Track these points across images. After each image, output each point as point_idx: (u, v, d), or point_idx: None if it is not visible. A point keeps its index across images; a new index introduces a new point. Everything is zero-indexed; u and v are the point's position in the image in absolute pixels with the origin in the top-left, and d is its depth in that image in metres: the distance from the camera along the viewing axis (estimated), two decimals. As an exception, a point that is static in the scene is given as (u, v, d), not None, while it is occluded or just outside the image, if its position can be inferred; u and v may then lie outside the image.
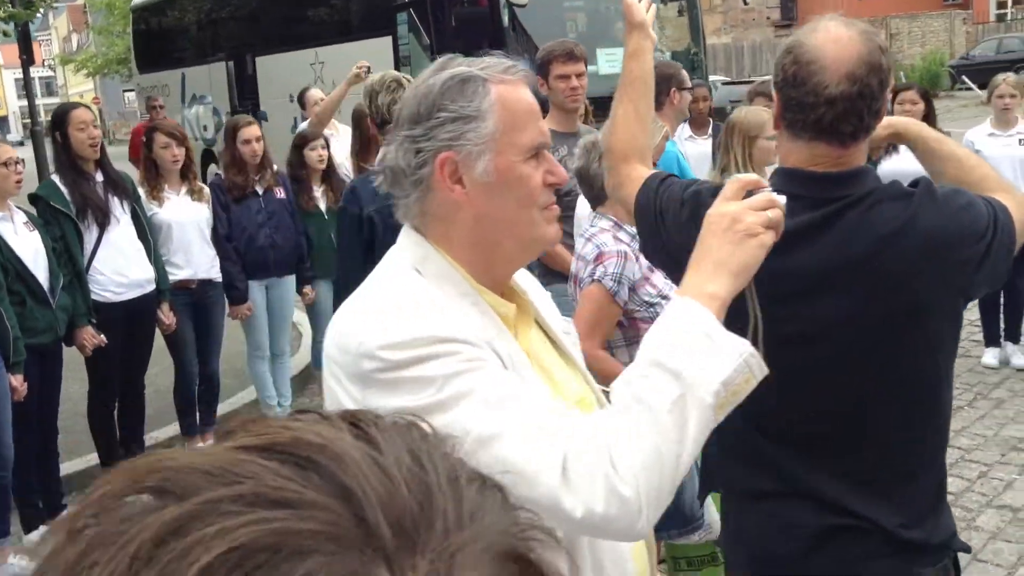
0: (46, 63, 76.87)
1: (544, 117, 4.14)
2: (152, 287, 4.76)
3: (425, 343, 1.24)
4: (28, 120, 19.76)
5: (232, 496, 0.42)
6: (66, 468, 4.72)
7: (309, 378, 6.45)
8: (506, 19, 9.87)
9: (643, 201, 1.86)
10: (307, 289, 5.57)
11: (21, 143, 28.10)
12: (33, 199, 4.47)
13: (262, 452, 0.45)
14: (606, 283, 2.77)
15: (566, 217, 4.02)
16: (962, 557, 2.06)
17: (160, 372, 5.38)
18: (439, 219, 1.38)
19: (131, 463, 0.46)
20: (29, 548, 4.27)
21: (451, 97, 1.31)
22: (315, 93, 6.65)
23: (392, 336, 1.25)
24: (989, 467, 4.54)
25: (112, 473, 0.46)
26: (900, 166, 5.50)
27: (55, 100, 56.81)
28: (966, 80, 25.30)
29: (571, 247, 4.04)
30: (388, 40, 11.24)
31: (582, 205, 3.43)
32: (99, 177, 4.59)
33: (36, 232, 4.23)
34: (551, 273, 4.12)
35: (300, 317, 6.51)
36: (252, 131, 5.20)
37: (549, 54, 3.96)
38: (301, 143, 5.57)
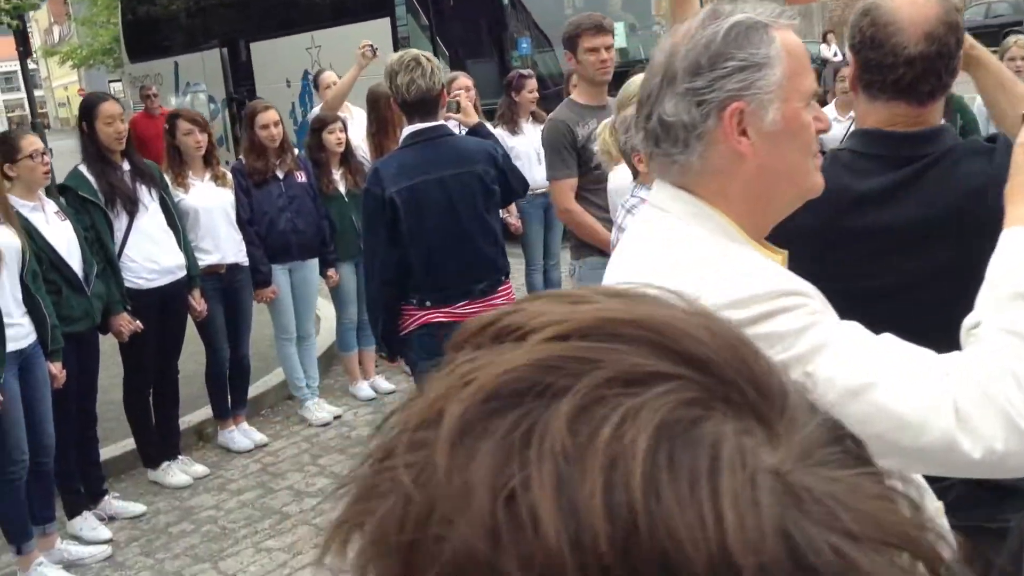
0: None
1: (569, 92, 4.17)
2: (183, 273, 4.80)
3: (768, 298, 1.18)
4: (14, 113, 19.61)
5: (605, 380, 0.41)
6: (103, 454, 4.76)
7: (332, 359, 6.50)
8: (507, -4, 9.85)
9: None
10: (331, 272, 5.60)
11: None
12: (62, 189, 4.49)
13: (582, 337, 0.44)
14: None
15: (597, 189, 4.10)
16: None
17: (188, 357, 5.40)
18: (716, 174, 1.29)
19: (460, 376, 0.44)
20: (76, 534, 4.33)
21: (738, 45, 1.24)
22: (329, 75, 6.65)
23: (731, 294, 1.16)
24: None
25: (463, 392, 0.43)
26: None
27: (39, 93, 56.29)
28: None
29: (602, 220, 4.09)
30: (386, 22, 11.20)
31: (620, 177, 3.46)
32: (125, 166, 4.61)
33: (67, 222, 4.25)
34: (584, 246, 4.18)
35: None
36: (270, 116, 5.21)
37: (578, 27, 3.99)
38: (319, 126, 5.58)
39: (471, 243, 3.49)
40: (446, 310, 3.51)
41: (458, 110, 3.77)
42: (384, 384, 6.03)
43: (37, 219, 4.08)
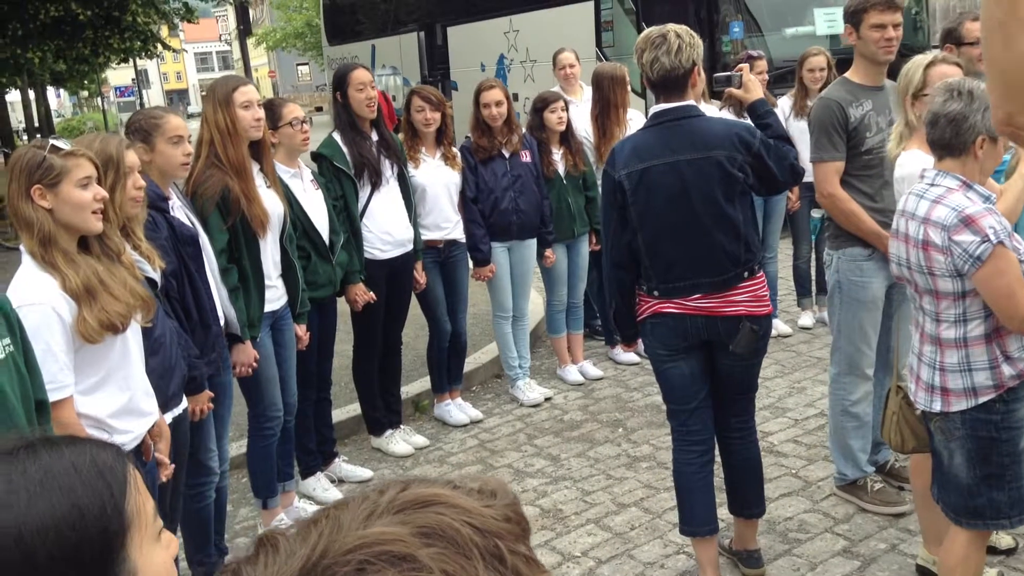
0: (223, 38, 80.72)
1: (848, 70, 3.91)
2: (412, 247, 4.87)
3: None
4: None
5: None
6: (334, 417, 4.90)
7: (537, 341, 6.49)
8: (721, -21, 9.55)
9: None
10: (548, 252, 5.57)
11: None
12: (316, 157, 4.62)
13: None
14: (1007, 242, 2.56)
15: (865, 176, 3.84)
16: None
17: (405, 330, 5.49)
18: None
19: None
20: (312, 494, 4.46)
21: None
22: (567, 56, 6.46)
23: None
24: None
25: None
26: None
27: (231, 72, 59.62)
28: None
29: (867, 209, 3.85)
30: (590, 6, 11.11)
31: (912, 162, 3.22)
32: (374, 137, 4.70)
33: (320, 190, 4.37)
34: (844, 235, 3.94)
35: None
36: (493, 95, 5.21)
37: (865, 1, 3.73)
38: (542, 106, 5.55)
39: (703, 234, 3.25)
40: (678, 301, 3.34)
41: (738, 85, 3.52)
42: (592, 370, 5.97)
43: (295, 186, 4.20)
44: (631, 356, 6.15)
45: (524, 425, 5.31)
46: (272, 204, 3.86)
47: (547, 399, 5.62)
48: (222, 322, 3.52)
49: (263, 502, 4.12)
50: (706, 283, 3.29)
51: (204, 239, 3.48)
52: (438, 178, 5.03)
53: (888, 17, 3.73)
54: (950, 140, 2.65)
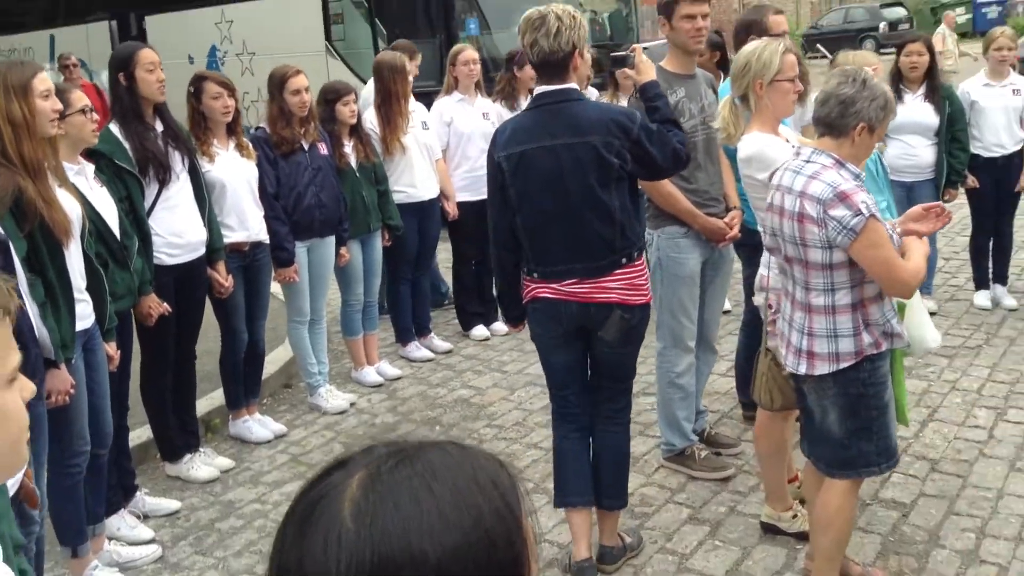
0: None
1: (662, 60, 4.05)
2: (204, 250, 4.42)
3: None
4: None
5: None
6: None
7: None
8: (455, -24, 9.63)
9: None
10: (343, 250, 5.31)
11: None
12: (92, 154, 4.01)
13: None
14: (878, 215, 2.75)
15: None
16: None
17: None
18: None
19: None
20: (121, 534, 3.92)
21: None
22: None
23: None
24: (1040, 395, 4.86)
25: None
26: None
27: None
28: (821, 48, 26.69)
29: (683, 189, 4.02)
30: (316, -3, 10.78)
31: (754, 143, 3.40)
32: (158, 127, 4.20)
33: (105, 188, 3.83)
34: (663, 215, 4.09)
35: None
36: (300, 81, 4.88)
37: None
38: (333, 97, 5.27)
39: (577, 218, 3.24)
40: (553, 286, 3.34)
41: (632, 65, 3.50)
42: (390, 369, 5.78)
43: (81, 184, 3.63)
44: (424, 352, 6.03)
45: (335, 434, 5.03)
46: (70, 206, 3.32)
47: (352, 404, 5.36)
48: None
49: (72, 550, 3.55)
50: (580, 268, 3.29)
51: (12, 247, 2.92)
52: (238, 172, 4.60)
53: (698, 8, 3.92)
54: (835, 120, 2.82)
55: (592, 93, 6.44)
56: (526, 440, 4.77)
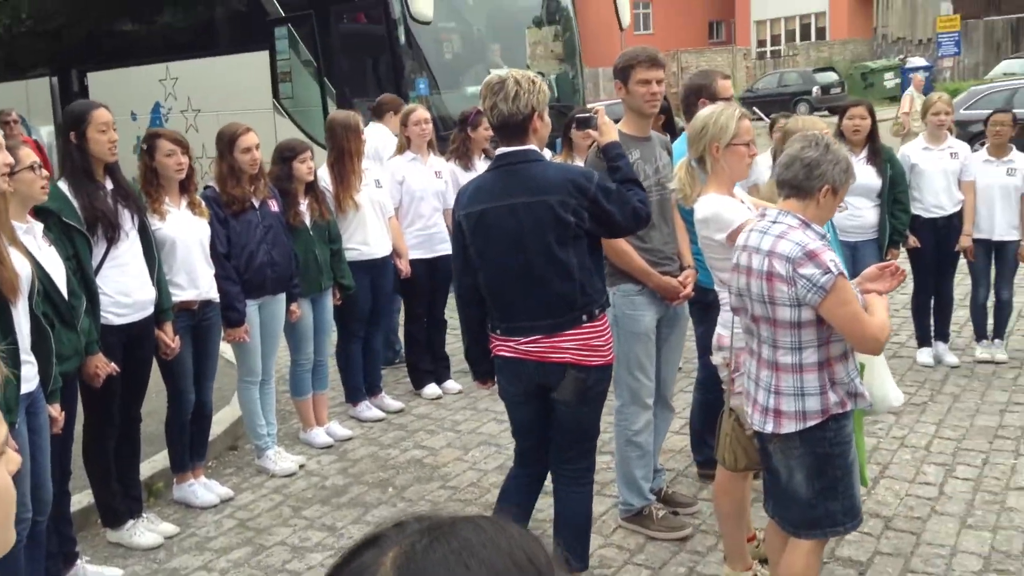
0: None
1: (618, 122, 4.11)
2: (153, 310, 4.32)
3: None
4: None
5: None
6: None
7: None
8: (403, 36, 9.70)
9: None
10: (294, 307, 5.23)
11: None
12: (40, 212, 3.91)
13: None
14: (845, 273, 2.80)
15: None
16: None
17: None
18: None
19: None
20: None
21: None
22: (421, 113, 6.19)
23: None
24: (986, 453, 4.94)
25: None
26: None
27: None
28: (756, 111, 27.48)
29: (638, 248, 4.06)
30: (264, 56, 10.75)
31: (711, 205, 3.45)
32: (108, 185, 4.12)
33: (53, 247, 3.73)
34: (618, 273, 4.12)
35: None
36: (251, 138, 4.84)
37: (633, 59, 3.97)
38: (291, 155, 5.23)
39: (537, 276, 3.28)
40: (511, 344, 3.38)
41: (595, 126, 3.56)
42: (340, 430, 5.68)
43: (29, 243, 3.54)
44: (375, 412, 5.94)
45: (284, 497, 4.89)
46: (20, 264, 3.23)
47: (301, 466, 5.23)
48: (-17, 408, 2.86)
49: (10, 626, 3.37)
50: (542, 325, 3.32)
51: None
52: (189, 230, 4.51)
53: (653, 73, 4.01)
54: (801, 182, 2.88)
55: (546, 153, 6.51)
56: (482, 501, 4.70)
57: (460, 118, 6.53)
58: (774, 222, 2.93)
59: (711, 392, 4.67)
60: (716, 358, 3.66)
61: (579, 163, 6.02)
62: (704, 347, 4.58)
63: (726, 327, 3.52)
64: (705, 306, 4.40)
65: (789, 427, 2.97)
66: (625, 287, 4.12)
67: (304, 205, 5.30)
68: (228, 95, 11.16)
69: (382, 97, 7.20)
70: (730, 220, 3.39)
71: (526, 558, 0.76)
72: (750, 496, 3.82)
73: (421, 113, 6.13)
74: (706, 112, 3.57)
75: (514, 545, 0.76)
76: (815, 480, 3.00)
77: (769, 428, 3.02)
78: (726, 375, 3.54)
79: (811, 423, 2.93)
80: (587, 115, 3.70)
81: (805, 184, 2.88)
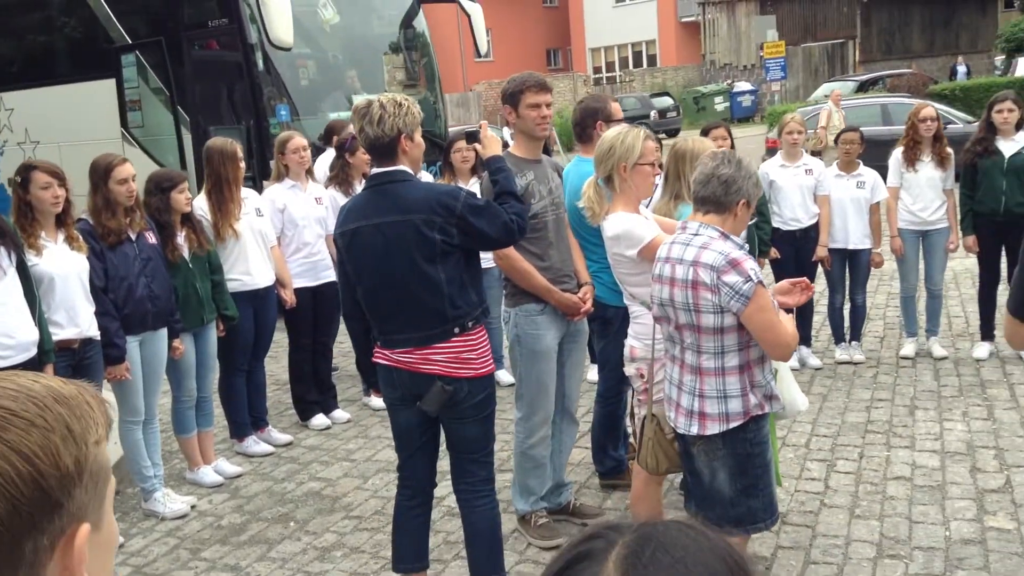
0: None
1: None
2: (35, 351, 4.07)
3: None
4: None
5: None
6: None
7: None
8: (260, 62, 9.48)
9: None
10: (176, 342, 5.03)
11: None
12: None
13: None
14: (764, 282, 2.95)
15: (533, 238, 4.14)
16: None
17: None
18: None
19: None
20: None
21: None
22: (298, 141, 6.13)
23: None
24: (861, 447, 5.28)
25: None
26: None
27: None
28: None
29: (538, 267, 4.14)
30: (111, 83, 10.25)
31: (620, 224, 3.56)
32: (-19, 222, 3.87)
33: (-76, 288, 3.47)
34: (520, 293, 4.19)
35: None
36: (127, 169, 4.65)
37: (522, 84, 4.07)
38: (169, 185, 5.03)
39: (406, 291, 3.39)
40: (386, 352, 3.51)
41: (478, 140, 3.66)
42: (229, 467, 5.48)
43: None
44: (263, 446, 5.77)
45: (179, 540, 4.67)
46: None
47: (192, 507, 5.01)
48: None
49: None
50: (415, 337, 3.44)
51: None
52: (67, 265, 4.27)
53: (542, 97, 4.13)
54: (719, 198, 3.02)
55: (426, 176, 6.53)
56: (389, 529, 4.63)
57: (336, 145, 6.45)
58: (695, 234, 3.06)
59: (610, 404, 4.80)
60: (629, 369, 3.77)
61: (461, 184, 6.09)
62: (604, 361, 4.70)
63: (638, 339, 3.64)
64: (604, 321, 4.52)
65: (713, 428, 3.10)
66: (527, 307, 4.19)
67: (181, 237, 5.11)
68: (71, 125, 10.59)
69: (330, 123, 7.11)
70: (641, 236, 3.51)
71: (735, 562, 0.79)
72: (662, 502, 3.94)
73: (299, 141, 6.03)
74: (612, 133, 3.70)
75: (726, 550, 0.79)
76: (737, 479, 3.14)
77: (694, 430, 3.14)
78: (639, 385, 3.66)
79: (733, 424, 3.07)
80: (473, 129, 3.86)
81: (724, 199, 3.03)
